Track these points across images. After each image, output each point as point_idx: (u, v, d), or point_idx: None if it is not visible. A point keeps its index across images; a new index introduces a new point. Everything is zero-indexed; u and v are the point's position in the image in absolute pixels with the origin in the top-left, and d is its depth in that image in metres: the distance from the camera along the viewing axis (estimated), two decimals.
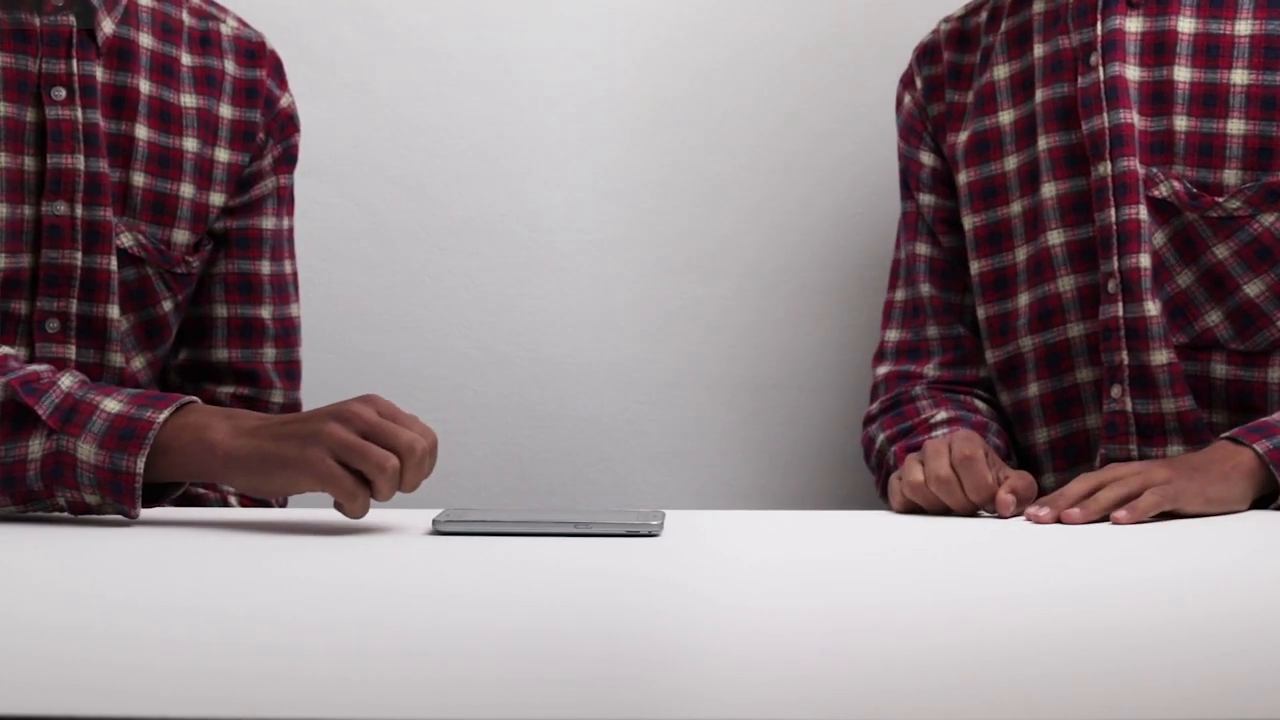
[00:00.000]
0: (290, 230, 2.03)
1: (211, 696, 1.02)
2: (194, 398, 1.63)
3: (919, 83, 2.09)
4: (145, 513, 1.64)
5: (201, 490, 1.93)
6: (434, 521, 1.59)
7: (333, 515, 1.67)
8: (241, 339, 1.98)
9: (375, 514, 1.67)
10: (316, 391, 2.33)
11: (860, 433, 2.10)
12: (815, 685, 1.06)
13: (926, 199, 2.07)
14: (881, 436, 2.01)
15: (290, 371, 2.02)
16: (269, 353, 2.00)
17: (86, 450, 1.59)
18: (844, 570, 1.47)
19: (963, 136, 2.03)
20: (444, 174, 2.36)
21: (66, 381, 1.62)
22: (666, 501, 2.36)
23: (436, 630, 1.21)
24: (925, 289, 2.07)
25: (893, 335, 2.10)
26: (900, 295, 2.10)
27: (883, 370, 2.09)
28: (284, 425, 1.59)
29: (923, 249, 2.08)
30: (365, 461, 1.55)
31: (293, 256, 2.03)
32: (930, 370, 2.06)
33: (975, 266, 2.02)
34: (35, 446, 1.60)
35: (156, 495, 1.63)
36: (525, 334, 2.37)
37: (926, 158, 2.08)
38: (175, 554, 1.52)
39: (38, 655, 1.12)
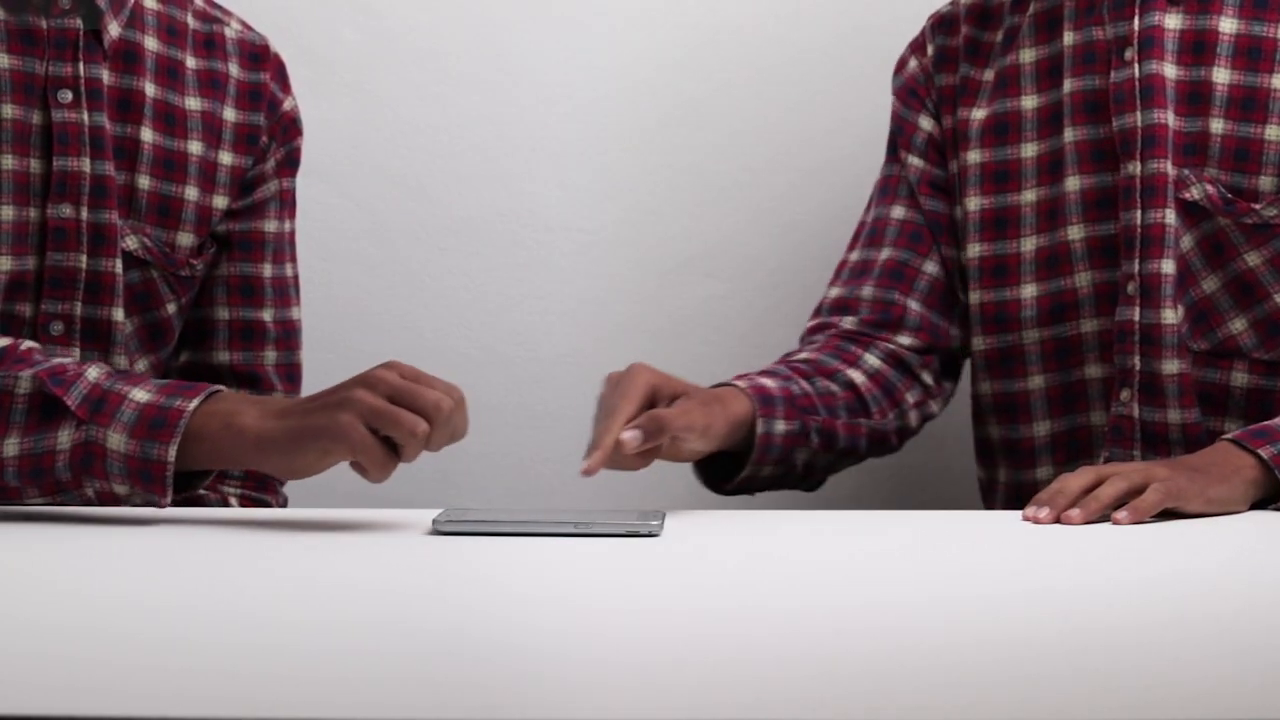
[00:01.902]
0: (292, 233, 2.03)
1: (211, 696, 1.02)
2: (221, 386, 1.63)
3: (930, 49, 2.05)
4: (144, 513, 1.64)
5: (201, 491, 1.93)
6: (434, 521, 1.59)
7: (332, 515, 1.67)
8: (242, 341, 1.98)
9: (375, 514, 1.67)
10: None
11: None
12: (815, 685, 1.06)
13: (915, 162, 2.04)
14: None
15: (291, 374, 2.02)
16: (270, 355, 2.00)
17: (116, 440, 1.59)
18: (844, 570, 1.47)
19: (979, 114, 2.00)
20: (444, 174, 2.36)
21: (94, 372, 1.62)
22: (666, 501, 2.36)
23: (436, 630, 1.21)
24: (885, 253, 2.03)
25: (833, 293, 2.04)
26: (855, 256, 2.05)
27: (807, 324, 2.05)
28: (311, 401, 1.60)
29: (897, 212, 2.04)
30: (397, 427, 1.55)
31: (294, 259, 2.03)
32: (845, 324, 2.01)
33: (975, 250, 1.99)
34: (64, 437, 1.60)
35: (184, 484, 1.63)
36: (525, 334, 2.37)
37: (925, 123, 2.05)
38: (175, 554, 1.52)
39: (37, 655, 1.12)
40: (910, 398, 1.99)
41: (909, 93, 2.06)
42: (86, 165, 1.83)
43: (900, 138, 2.06)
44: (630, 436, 1.70)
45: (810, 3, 2.37)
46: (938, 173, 2.03)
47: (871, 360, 1.98)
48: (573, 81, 2.36)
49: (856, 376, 1.96)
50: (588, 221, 2.37)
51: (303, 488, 2.35)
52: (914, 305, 2.00)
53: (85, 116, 1.83)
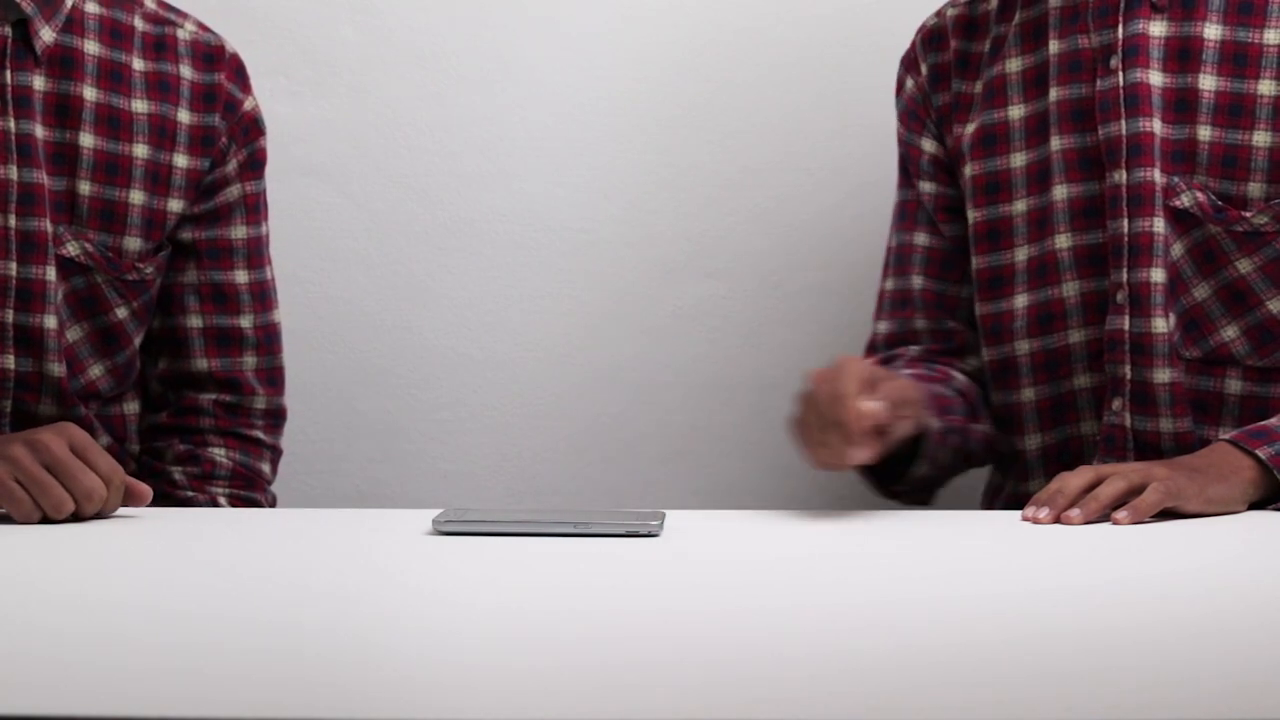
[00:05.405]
0: (266, 236, 2.00)
1: (211, 697, 1.02)
2: None
3: (924, 69, 2.04)
4: (143, 513, 1.64)
5: (189, 494, 1.93)
6: (434, 521, 1.59)
7: (333, 515, 1.67)
8: (220, 349, 1.97)
9: (375, 514, 1.67)
10: (317, 392, 2.33)
11: None
12: (815, 685, 1.06)
13: (927, 187, 2.03)
14: None
15: (272, 378, 2.00)
16: (249, 360, 1.98)
17: None
18: (844, 570, 1.47)
19: (970, 128, 1.99)
20: (444, 174, 2.36)
21: None
22: (666, 501, 2.36)
23: (436, 630, 1.21)
24: (917, 281, 2.03)
25: (882, 327, 2.05)
26: (890, 285, 2.06)
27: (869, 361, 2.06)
28: None
29: (920, 239, 2.04)
30: (44, 498, 1.61)
31: (270, 261, 2.01)
32: (913, 352, 2.02)
33: (974, 262, 1.99)
34: None
35: None
36: (525, 334, 2.37)
37: (928, 145, 2.04)
38: (174, 556, 1.52)
39: (31, 656, 1.12)
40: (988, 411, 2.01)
41: (910, 115, 2.05)
42: (14, 173, 1.83)
43: (909, 163, 2.06)
44: (876, 406, 1.67)
45: (810, 3, 2.37)
46: (950, 193, 2.03)
47: (956, 374, 1.99)
48: (572, 81, 2.36)
49: (963, 384, 1.97)
50: (588, 221, 2.37)
51: (303, 487, 2.36)
52: (966, 330, 2.01)
53: (12, 125, 1.83)
